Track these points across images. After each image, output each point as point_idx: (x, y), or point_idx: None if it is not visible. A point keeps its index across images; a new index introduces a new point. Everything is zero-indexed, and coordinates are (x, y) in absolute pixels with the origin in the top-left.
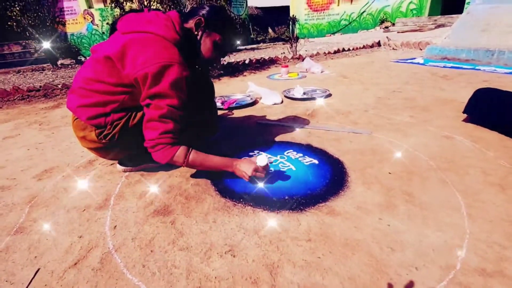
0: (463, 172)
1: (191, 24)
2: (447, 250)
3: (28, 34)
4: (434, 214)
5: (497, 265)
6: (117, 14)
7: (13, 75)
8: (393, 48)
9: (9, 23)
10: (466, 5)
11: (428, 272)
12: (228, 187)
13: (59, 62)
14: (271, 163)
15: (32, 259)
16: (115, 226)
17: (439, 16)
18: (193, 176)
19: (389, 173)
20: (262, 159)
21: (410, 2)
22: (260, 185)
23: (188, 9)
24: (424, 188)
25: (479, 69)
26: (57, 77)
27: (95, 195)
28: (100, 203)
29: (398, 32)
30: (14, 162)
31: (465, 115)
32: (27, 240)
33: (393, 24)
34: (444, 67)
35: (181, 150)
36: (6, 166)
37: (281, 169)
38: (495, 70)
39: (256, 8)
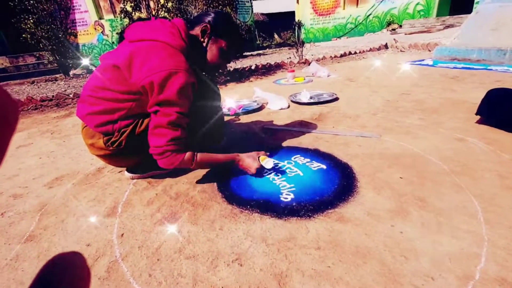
0: (478, 176)
1: (197, 31)
2: (465, 259)
3: (42, 46)
4: (449, 220)
5: None
6: (126, 24)
7: (28, 85)
8: (400, 50)
9: (23, 35)
10: (475, 5)
11: (445, 283)
12: (235, 193)
13: (71, 73)
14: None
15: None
16: (123, 234)
17: (448, 17)
18: (199, 182)
19: (400, 177)
20: (268, 162)
21: (417, 4)
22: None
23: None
24: (438, 193)
25: (491, 69)
26: (69, 86)
27: (103, 203)
28: (108, 210)
29: (405, 34)
30: (26, 170)
31: (478, 117)
32: (36, 248)
33: (400, 26)
34: (454, 68)
35: (187, 155)
36: (19, 174)
37: (289, 175)
38: (507, 69)
39: (262, 14)
